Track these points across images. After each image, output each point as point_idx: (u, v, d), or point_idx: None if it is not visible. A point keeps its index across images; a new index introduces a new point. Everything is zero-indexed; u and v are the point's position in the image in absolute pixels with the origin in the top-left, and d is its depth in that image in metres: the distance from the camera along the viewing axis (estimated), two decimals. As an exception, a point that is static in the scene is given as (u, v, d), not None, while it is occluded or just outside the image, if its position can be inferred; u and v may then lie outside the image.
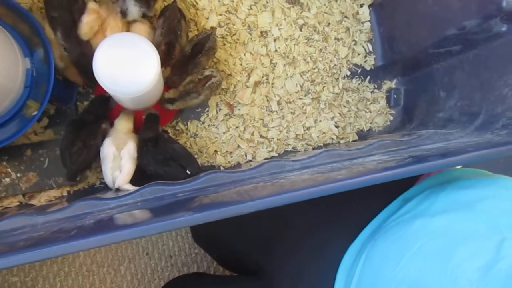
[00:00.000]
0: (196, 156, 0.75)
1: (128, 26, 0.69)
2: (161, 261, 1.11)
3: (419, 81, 0.83)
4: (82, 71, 0.67)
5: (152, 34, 0.70)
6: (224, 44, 0.79)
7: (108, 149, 0.64)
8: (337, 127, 0.85)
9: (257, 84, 0.80)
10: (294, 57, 0.82)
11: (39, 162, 0.70)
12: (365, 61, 0.87)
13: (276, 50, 0.81)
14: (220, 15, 0.79)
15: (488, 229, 0.48)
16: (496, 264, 0.42)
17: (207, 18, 0.78)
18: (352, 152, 0.63)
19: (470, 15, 0.63)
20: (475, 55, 0.69)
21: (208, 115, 0.79)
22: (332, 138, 0.85)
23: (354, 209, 0.65)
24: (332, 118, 0.85)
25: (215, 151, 0.79)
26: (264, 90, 0.81)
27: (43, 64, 0.63)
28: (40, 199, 0.69)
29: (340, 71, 0.85)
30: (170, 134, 0.77)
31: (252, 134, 0.80)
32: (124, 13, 0.66)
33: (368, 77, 0.87)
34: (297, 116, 0.83)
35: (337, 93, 0.85)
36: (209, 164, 0.78)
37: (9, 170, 0.68)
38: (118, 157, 0.64)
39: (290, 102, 0.82)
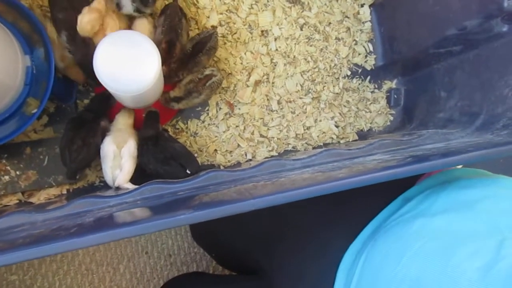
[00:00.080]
0: (196, 155, 0.75)
1: (130, 23, 0.69)
2: (160, 260, 1.11)
3: (419, 81, 0.83)
4: (86, 72, 0.67)
5: (153, 33, 0.70)
6: (225, 43, 0.79)
7: (108, 147, 0.64)
8: (337, 126, 0.85)
9: (257, 83, 0.80)
10: (294, 57, 0.82)
11: (38, 160, 0.70)
12: (365, 61, 0.87)
13: (276, 50, 0.81)
14: (221, 14, 0.78)
15: (488, 229, 0.48)
16: (496, 264, 0.42)
17: (208, 17, 0.78)
18: (352, 152, 0.63)
19: (471, 15, 0.63)
20: (475, 55, 0.69)
21: (208, 114, 0.79)
22: (332, 138, 0.85)
23: (355, 209, 0.65)
24: (332, 118, 0.85)
25: (215, 150, 0.79)
26: (265, 89, 0.81)
27: (43, 62, 0.62)
28: (40, 197, 0.69)
29: (341, 70, 0.85)
30: (170, 133, 0.76)
31: (252, 133, 0.80)
32: (119, 6, 0.66)
33: (369, 77, 0.87)
34: (297, 115, 0.83)
35: (337, 93, 0.85)
36: (209, 163, 0.78)
37: (8, 168, 0.68)
38: (119, 156, 0.64)
39: (290, 102, 0.82)
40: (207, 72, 0.72)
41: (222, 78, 0.75)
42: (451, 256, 0.46)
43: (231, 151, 0.79)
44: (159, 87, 0.67)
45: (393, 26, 0.83)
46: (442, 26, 0.68)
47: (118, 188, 0.65)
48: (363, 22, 0.86)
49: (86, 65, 0.64)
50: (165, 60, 0.68)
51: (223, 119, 0.79)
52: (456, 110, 0.72)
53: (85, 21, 0.61)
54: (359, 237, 0.60)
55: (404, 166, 0.49)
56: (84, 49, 0.64)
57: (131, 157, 0.64)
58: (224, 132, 0.79)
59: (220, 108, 0.79)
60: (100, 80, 0.58)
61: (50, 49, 0.61)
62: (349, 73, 0.86)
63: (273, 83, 0.81)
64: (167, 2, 0.74)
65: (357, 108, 0.86)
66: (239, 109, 0.80)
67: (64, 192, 0.71)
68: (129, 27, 0.69)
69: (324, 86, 0.84)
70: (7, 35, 0.58)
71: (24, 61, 0.60)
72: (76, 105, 0.73)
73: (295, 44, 0.82)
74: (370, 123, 0.87)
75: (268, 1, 0.81)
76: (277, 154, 0.81)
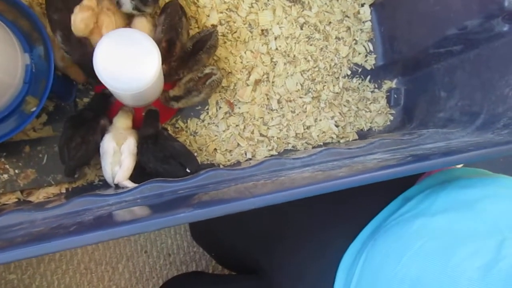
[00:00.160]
0: (196, 154, 0.75)
1: (129, 21, 0.69)
2: (159, 259, 1.10)
3: (419, 81, 0.83)
4: (85, 71, 0.66)
5: (152, 31, 0.70)
6: (225, 42, 0.79)
7: (108, 144, 0.64)
8: (337, 126, 0.85)
9: (257, 82, 0.80)
10: (294, 56, 0.82)
11: (37, 158, 0.69)
12: (365, 61, 0.87)
13: (276, 49, 0.81)
14: (221, 12, 0.78)
15: (488, 228, 0.48)
16: (497, 264, 0.42)
17: (208, 16, 0.78)
18: (353, 151, 0.62)
19: (471, 14, 0.63)
20: (476, 55, 0.69)
21: (208, 113, 0.79)
22: (332, 138, 0.85)
23: (355, 209, 0.65)
24: (332, 117, 0.85)
25: (215, 149, 0.79)
26: (265, 88, 0.81)
27: (43, 60, 0.62)
28: (38, 196, 0.69)
29: (341, 70, 0.85)
30: (170, 132, 0.76)
31: (252, 133, 0.80)
32: (119, 4, 0.66)
33: (369, 77, 0.87)
34: (297, 115, 0.83)
35: (337, 92, 0.85)
36: (208, 162, 0.78)
37: (7, 166, 0.68)
38: (118, 152, 0.64)
39: (290, 101, 0.82)
40: (207, 70, 0.72)
41: (222, 77, 0.75)
42: (451, 256, 0.46)
43: (230, 150, 0.79)
44: (159, 85, 0.67)
45: (393, 26, 0.83)
46: (443, 26, 0.68)
47: (117, 187, 0.65)
48: (363, 22, 0.86)
49: (86, 65, 0.64)
50: (165, 59, 0.67)
51: (223, 118, 0.79)
52: (456, 110, 0.72)
53: (78, 20, 0.61)
54: (359, 237, 0.60)
55: (404, 165, 0.49)
56: (81, 49, 0.63)
57: (131, 154, 0.64)
58: (224, 131, 0.79)
59: (220, 107, 0.79)
60: (100, 78, 0.57)
61: (50, 48, 0.61)
62: (349, 72, 0.86)
63: (273, 82, 0.81)
64: (167, 0, 0.74)
65: (357, 107, 0.86)
66: (239, 108, 0.80)
67: (63, 191, 0.71)
68: (128, 25, 0.69)
69: (324, 86, 0.84)
70: (7, 33, 0.58)
71: (24, 59, 0.60)
72: (75, 103, 0.72)
73: (295, 43, 0.82)
74: (370, 123, 0.87)
75: (268, 0, 0.81)
76: (277, 153, 0.81)
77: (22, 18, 0.61)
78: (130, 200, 0.52)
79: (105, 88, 0.60)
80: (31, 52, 0.61)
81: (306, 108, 0.83)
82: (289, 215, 0.69)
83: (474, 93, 0.69)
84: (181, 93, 0.71)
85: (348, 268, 0.58)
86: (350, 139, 0.86)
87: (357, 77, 0.87)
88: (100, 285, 1.07)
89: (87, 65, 0.63)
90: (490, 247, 0.45)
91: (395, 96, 0.87)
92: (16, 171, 0.68)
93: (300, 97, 0.83)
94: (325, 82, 0.84)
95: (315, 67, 0.84)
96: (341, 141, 0.85)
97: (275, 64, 0.81)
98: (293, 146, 0.83)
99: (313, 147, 0.84)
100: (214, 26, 0.77)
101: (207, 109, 0.79)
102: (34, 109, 0.62)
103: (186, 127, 0.78)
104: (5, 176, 0.68)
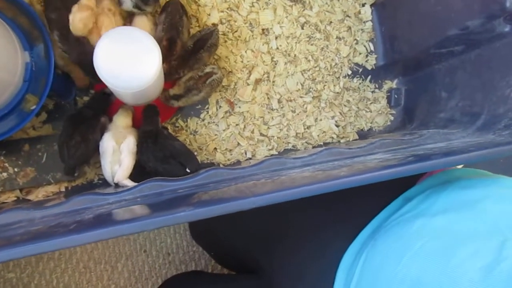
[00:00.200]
0: (195, 153, 0.75)
1: (129, 21, 0.69)
2: (158, 258, 1.10)
3: (420, 81, 0.83)
4: (84, 70, 0.66)
5: (153, 30, 0.70)
6: (225, 41, 0.79)
7: (107, 143, 0.64)
8: (337, 126, 0.85)
9: (257, 81, 0.80)
10: (295, 55, 0.82)
11: (37, 157, 0.69)
12: (366, 61, 0.87)
13: (277, 48, 0.81)
14: (222, 11, 0.78)
15: (488, 229, 0.48)
16: (498, 265, 0.42)
17: (209, 15, 0.78)
18: (353, 151, 0.62)
19: (473, 15, 0.63)
20: (477, 56, 0.68)
21: (208, 112, 0.79)
22: (332, 137, 0.85)
23: (355, 209, 0.65)
24: (333, 117, 0.84)
25: (215, 148, 0.78)
26: (265, 88, 0.80)
27: (42, 59, 0.62)
28: (38, 195, 0.69)
29: (341, 70, 0.85)
30: (170, 131, 0.76)
31: (252, 132, 0.80)
32: (119, 2, 0.66)
33: (369, 77, 0.87)
34: (298, 114, 0.82)
35: (338, 92, 0.85)
36: (208, 161, 0.78)
37: (6, 164, 0.68)
38: (118, 151, 0.63)
39: (290, 100, 0.82)
40: (208, 69, 0.72)
41: (222, 76, 0.75)
42: (452, 256, 0.46)
43: (231, 150, 0.79)
44: (159, 84, 0.67)
45: (394, 26, 0.83)
46: (444, 26, 0.68)
47: (117, 185, 0.64)
48: (364, 22, 0.86)
49: (85, 64, 0.64)
50: (165, 58, 0.67)
51: (223, 117, 0.79)
52: (457, 110, 0.72)
53: (77, 19, 0.60)
54: (359, 237, 0.60)
55: (405, 165, 0.49)
56: (79, 48, 0.63)
57: (130, 152, 0.64)
58: (224, 130, 0.79)
59: (220, 106, 0.79)
60: (101, 77, 0.57)
61: (50, 46, 0.61)
62: (349, 72, 0.86)
63: (273, 81, 0.81)
64: (168, -1, 0.74)
65: (358, 107, 0.86)
66: (239, 107, 0.79)
67: (63, 189, 0.71)
68: (128, 24, 0.69)
69: (324, 85, 0.84)
70: (7, 31, 0.58)
71: (24, 57, 0.60)
72: (75, 102, 0.72)
73: (296, 42, 0.82)
74: (371, 123, 0.87)
75: (269, 0, 0.81)
76: (277, 153, 0.81)
77: (22, 16, 0.61)
78: (130, 199, 0.52)
79: (105, 87, 0.60)
80: (31, 50, 0.61)
81: (306, 108, 0.83)
82: (289, 214, 0.69)
83: (475, 93, 0.68)
84: (181, 92, 0.71)
85: (348, 268, 0.58)
86: (351, 139, 0.85)
87: (357, 77, 0.86)
88: (99, 284, 1.07)
89: (86, 64, 0.62)
90: (491, 248, 0.44)
91: (396, 96, 0.87)
92: (16, 169, 0.68)
93: (301, 97, 0.83)
94: (326, 82, 0.84)
95: (315, 67, 0.83)
96: (342, 141, 0.85)
97: (276, 64, 0.81)
98: (293, 146, 0.82)
99: (313, 147, 0.84)
100: (215, 25, 0.77)
101: (207, 108, 0.79)
102: (34, 107, 0.62)
103: (186, 126, 0.78)
104: (4, 174, 0.67)
